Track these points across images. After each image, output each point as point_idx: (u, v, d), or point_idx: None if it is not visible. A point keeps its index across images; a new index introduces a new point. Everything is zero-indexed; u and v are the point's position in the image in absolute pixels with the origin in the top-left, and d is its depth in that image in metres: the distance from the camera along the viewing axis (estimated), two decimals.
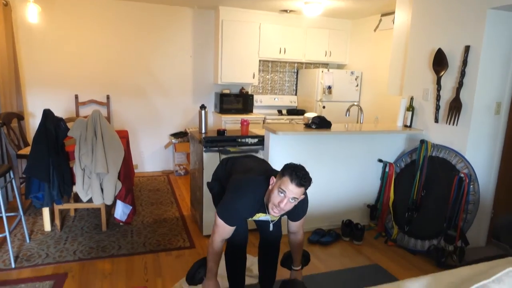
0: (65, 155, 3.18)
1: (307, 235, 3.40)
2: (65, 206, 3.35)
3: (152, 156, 5.55)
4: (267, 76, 5.93)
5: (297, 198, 1.80)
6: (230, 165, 2.17)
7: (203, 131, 3.48)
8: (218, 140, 3.24)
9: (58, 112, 4.34)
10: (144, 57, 5.22)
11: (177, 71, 5.43)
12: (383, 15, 5.09)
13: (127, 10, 5.03)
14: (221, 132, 3.35)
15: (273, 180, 1.85)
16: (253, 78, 5.42)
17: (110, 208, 3.76)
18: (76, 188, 3.18)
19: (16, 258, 2.85)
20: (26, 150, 3.77)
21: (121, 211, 3.44)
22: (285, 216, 2.10)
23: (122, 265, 2.81)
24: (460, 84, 3.06)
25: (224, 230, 1.92)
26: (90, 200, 3.23)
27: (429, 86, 3.40)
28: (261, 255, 2.32)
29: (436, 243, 3.03)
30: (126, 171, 3.41)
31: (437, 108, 3.28)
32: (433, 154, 3.25)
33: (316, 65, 6.09)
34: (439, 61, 3.22)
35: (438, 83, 3.24)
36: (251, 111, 5.52)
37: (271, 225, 2.13)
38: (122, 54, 5.11)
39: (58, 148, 3.09)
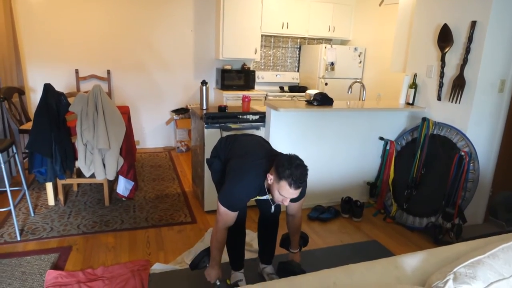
0: (67, 131, 3.19)
1: (306, 212, 3.44)
2: (68, 181, 3.39)
3: (154, 133, 5.56)
4: (269, 52, 5.85)
5: (298, 195, 1.83)
6: (229, 143, 2.16)
7: (204, 107, 3.46)
8: (219, 116, 3.23)
9: (58, 87, 4.31)
10: (144, 31, 5.14)
11: (178, 46, 5.35)
12: None
13: None
14: (222, 109, 3.34)
15: (270, 177, 1.83)
16: (255, 53, 5.34)
17: (112, 184, 3.80)
18: (79, 164, 3.20)
19: (21, 231, 2.91)
20: (28, 125, 3.78)
21: (123, 186, 3.48)
22: None
23: (125, 239, 2.87)
24: (464, 61, 3.01)
25: (227, 217, 1.93)
26: (92, 176, 3.27)
27: (433, 63, 3.35)
28: (261, 230, 2.36)
29: (434, 221, 3.08)
30: (128, 147, 3.43)
31: (440, 85, 3.25)
32: (435, 132, 3.24)
33: (319, 40, 5.99)
34: (444, 37, 3.16)
35: (443, 59, 3.20)
36: (253, 88, 5.47)
37: (272, 207, 2.16)
38: (123, 28, 5.03)
39: (59, 123, 3.10)
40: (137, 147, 5.38)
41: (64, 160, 3.14)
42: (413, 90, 3.53)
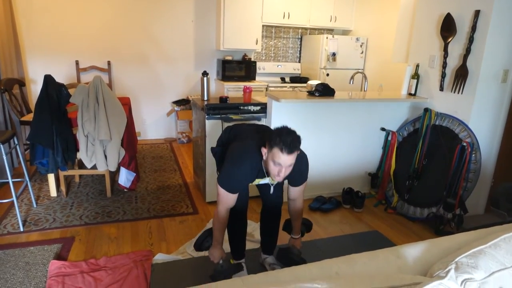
0: (68, 122, 3.18)
1: (308, 202, 3.45)
2: (70, 172, 3.40)
3: (155, 124, 5.55)
4: (271, 42, 5.81)
5: (293, 161, 1.80)
6: (233, 132, 2.17)
7: (205, 98, 3.45)
8: (221, 107, 3.22)
9: (59, 78, 4.29)
10: (145, 22, 5.10)
11: (179, 37, 5.31)
12: None
13: None
14: (223, 100, 3.33)
15: (264, 151, 1.84)
16: (256, 44, 5.31)
17: (114, 175, 3.81)
18: (80, 155, 3.20)
19: (24, 222, 2.92)
20: (29, 117, 3.77)
21: (125, 177, 3.49)
22: (286, 182, 2.12)
23: (127, 230, 2.89)
24: (467, 51, 2.98)
25: (227, 199, 1.95)
26: (94, 167, 3.27)
27: (435, 53, 3.33)
28: (263, 221, 2.37)
29: (435, 211, 3.08)
30: (129, 138, 3.43)
31: (443, 75, 3.23)
32: (437, 123, 3.23)
33: (321, 31, 5.94)
34: (448, 27, 3.12)
35: (445, 49, 3.17)
36: (254, 79, 5.45)
37: (271, 188, 2.16)
38: (123, 19, 4.99)
39: (60, 115, 3.09)
40: (138, 138, 5.38)
41: (65, 152, 3.14)
42: (415, 81, 3.51)
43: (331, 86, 3.37)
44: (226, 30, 5.10)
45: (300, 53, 6.02)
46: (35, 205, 3.20)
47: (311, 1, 5.43)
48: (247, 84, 5.17)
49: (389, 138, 3.57)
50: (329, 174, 3.61)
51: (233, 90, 5.12)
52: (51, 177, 3.35)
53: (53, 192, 3.41)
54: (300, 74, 5.98)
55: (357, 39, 5.39)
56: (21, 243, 2.62)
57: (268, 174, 1.97)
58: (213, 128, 3.19)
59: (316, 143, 3.44)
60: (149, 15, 5.09)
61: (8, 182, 3.18)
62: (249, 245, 2.58)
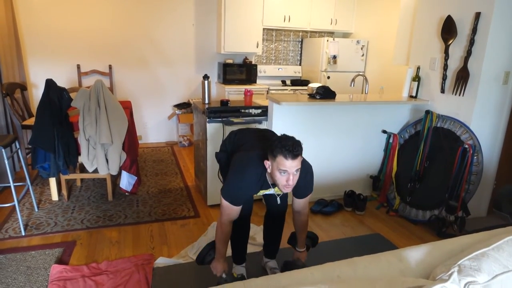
0: (69, 126, 3.19)
1: (309, 205, 3.44)
2: (71, 176, 3.40)
3: (156, 127, 5.56)
4: (271, 46, 5.82)
5: (299, 166, 1.76)
6: (237, 140, 2.15)
7: (206, 101, 3.45)
8: (222, 110, 3.22)
9: (60, 82, 4.30)
10: (146, 26, 5.12)
11: (180, 41, 5.33)
12: None
13: None
14: (224, 103, 3.33)
15: (267, 164, 1.80)
16: (257, 47, 5.32)
17: (115, 179, 3.81)
18: (82, 159, 3.21)
19: (25, 226, 2.92)
20: (31, 121, 3.78)
21: (126, 181, 3.49)
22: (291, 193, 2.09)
23: (128, 234, 2.89)
24: (468, 53, 2.98)
25: (231, 211, 1.92)
26: (95, 171, 3.27)
27: (436, 55, 3.33)
28: (267, 226, 2.35)
29: (438, 213, 3.07)
30: (131, 141, 3.43)
31: (444, 78, 3.23)
32: (438, 125, 3.22)
33: (321, 33, 5.95)
34: (448, 29, 3.13)
35: (446, 52, 3.17)
36: (255, 82, 5.45)
37: (278, 199, 2.13)
38: (124, 23, 5.01)
39: (62, 119, 3.10)
40: (140, 142, 5.39)
41: (67, 155, 3.15)
42: (416, 83, 3.51)
43: (332, 88, 3.37)
44: (227, 33, 5.12)
45: (301, 56, 6.03)
46: (36, 209, 3.21)
47: (311, 4, 5.44)
48: (248, 87, 5.18)
49: (391, 141, 3.56)
50: (331, 177, 3.60)
51: (234, 93, 5.13)
52: (52, 181, 3.35)
53: (55, 196, 3.41)
54: (301, 77, 5.98)
55: (358, 42, 5.40)
56: (23, 247, 2.61)
57: (273, 185, 1.93)
58: (214, 131, 3.19)
59: (317, 146, 3.43)
60: (151, 19, 5.11)
61: (9, 186, 3.18)
62: (250, 249, 2.57)
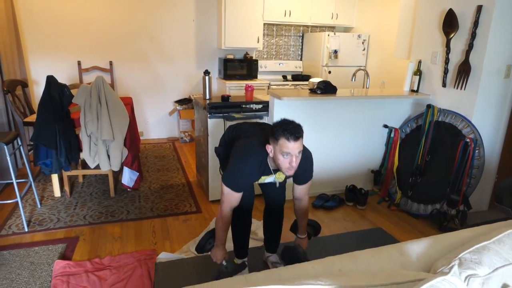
0: (71, 122, 3.20)
1: (311, 200, 3.45)
2: (73, 172, 3.41)
3: (157, 123, 5.56)
4: (272, 41, 5.80)
5: (301, 148, 1.80)
6: (236, 131, 2.17)
7: (207, 97, 3.45)
8: (223, 106, 3.22)
9: (61, 79, 4.30)
10: (146, 22, 5.10)
11: (180, 36, 5.31)
12: None
13: None
14: (225, 98, 3.33)
15: (269, 148, 1.83)
16: (258, 42, 5.30)
17: (117, 175, 3.82)
18: (83, 155, 3.22)
19: (28, 222, 2.94)
20: (32, 118, 3.79)
21: (128, 177, 3.50)
22: (291, 180, 2.11)
23: (131, 229, 2.90)
24: (470, 47, 2.97)
25: (232, 198, 1.93)
26: (97, 167, 3.28)
27: (438, 49, 3.31)
28: (266, 220, 2.37)
29: (439, 207, 3.07)
30: (132, 138, 3.44)
31: (445, 71, 3.21)
32: (439, 119, 3.22)
33: (322, 28, 5.92)
34: (450, 22, 3.11)
35: (448, 45, 3.15)
36: (256, 77, 5.44)
37: (277, 184, 2.13)
38: (125, 19, 5.00)
39: (63, 115, 3.10)
40: (141, 138, 5.39)
41: (69, 152, 3.15)
42: (417, 77, 3.49)
43: (333, 83, 3.36)
44: (227, 28, 5.10)
45: (301, 51, 6.01)
46: (39, 206, 3.22)
47: None
48: (249, 82, 5.17)
49: (392, 135, 3.56)
50: (332, 172, 3.61)
51: (235, 88, 5.12)
52: (54, 178, 3.37)
53: (57, 192, 3.43)
54: (302, 72, 5.96)
55: (359, 36, 5.37)
56: (26, 243, 2.63)
57: (274, 171, 1.96)
58: (216, 127, 3.19)
59: (319, 140, 3.43)
60: (151, 15, 5.10)
61: (12, 183, 3.20)
62: (252, 243, 2.58)
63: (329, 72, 5.35)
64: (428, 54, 3.42)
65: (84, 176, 3.89)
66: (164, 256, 2.51)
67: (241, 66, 5.31)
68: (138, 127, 4.99)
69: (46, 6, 4.64)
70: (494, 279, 1.20)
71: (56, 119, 3.03)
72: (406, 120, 3.62)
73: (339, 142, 3.53)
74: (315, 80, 3.47)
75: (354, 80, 3.95)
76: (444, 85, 3.25)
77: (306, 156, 2.00)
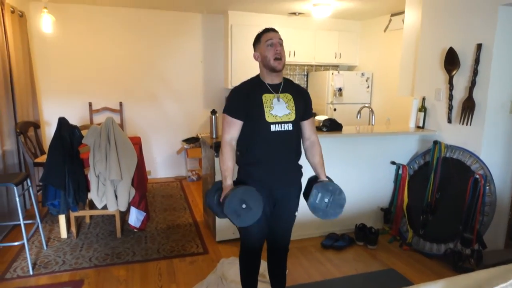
0: (80, 163, 3.24)
1: (320, 239, 3.38)
2: (80, 213, 3.41)
3: (165, 162, 5.60)
4: None
5: (282, 40, 2.06)
6: None
7: (214, 136, 3.49)
8: None
9: (72, 120, 4.40)
10: (155, 63, 5.29)
11: (188, 77, 5.48)
12: (392, 15, 5.04)
13: (138, 17, 5.10)
14: None
15: (256, 55, 2.13)
16: None
17: (124, 215, 3.81)
18: (91, 195, 3.23)
19: (34, 265, 2.90)
20: (43, 158, 3.85)
21: (135, 217, 3.48)
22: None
23: (136, 272, 2.84)
24: (472, 83, 3.01)
25: (231, 125, 1.98)
26: (104, 207, 3.28)
27: (441, 86, 3.36)
28: (270, 263, 2.28)
29: (453, 247, 2.98)
30: (140, 177, 3.45)
31: (450, 108, 3.24)
32: (447, 155, 3.20)
33: (326, 67, 6.07)
34: (451, 60, 3.17)
35: (450, 82, 3.20)
36: None
37: (290, 125, 2.00)
38: (134, 61, 5.19)
39: (73, 156, 3.15)
40: (149, 177, 5.41)
41: (77, 192, 3.17)
42: (422, 114, 3.52)
43: (339, 121, 3.39)
44: (233, 69, 5.25)
45: (307, 89, 6.12)
46: (45, 247, 3.19)
47: (315, 39, 5.58)
48: None
49: (400, 172, 3.52)
50: None
51: None
52: (62, 218, 3.36)
53: (64, 234, 3.41)
54: None
55: (363, 74, 5.48)
56: (31, 287, 2.58)
57: (274, 89, 2.06)
58: None
59: None
60: (160, 56, 5.29)
61: (19, 224, 3.19)
62: (261, 286, 2.50)
63: (335, 109, 5.42)
64: (432, 91, 3.46)
65: (91, 216, 3.88)
66: None
67: None
68: (146, 166, 5.02)
69: (60, 50, 4.85)
70: None
71: (66, 160, 3.08)
72: (414, 156, 3.60)
73: (347, 179, 3.49)
74: (320, 117, 3.51)
75: (360, 117, 3.99)
76: (449, 121, 3.26)
77: (304, 90, 2.21)
